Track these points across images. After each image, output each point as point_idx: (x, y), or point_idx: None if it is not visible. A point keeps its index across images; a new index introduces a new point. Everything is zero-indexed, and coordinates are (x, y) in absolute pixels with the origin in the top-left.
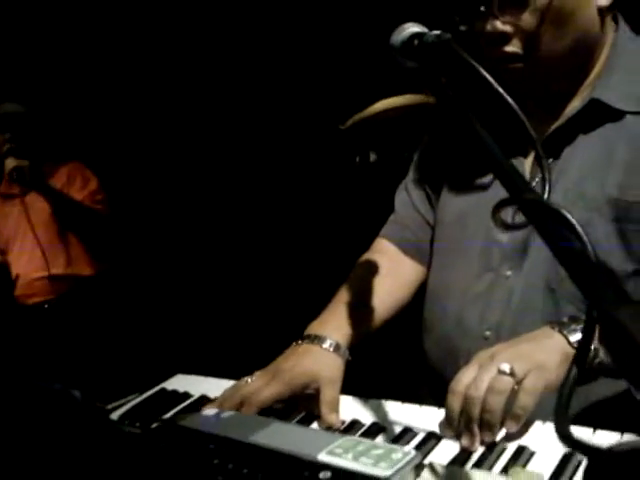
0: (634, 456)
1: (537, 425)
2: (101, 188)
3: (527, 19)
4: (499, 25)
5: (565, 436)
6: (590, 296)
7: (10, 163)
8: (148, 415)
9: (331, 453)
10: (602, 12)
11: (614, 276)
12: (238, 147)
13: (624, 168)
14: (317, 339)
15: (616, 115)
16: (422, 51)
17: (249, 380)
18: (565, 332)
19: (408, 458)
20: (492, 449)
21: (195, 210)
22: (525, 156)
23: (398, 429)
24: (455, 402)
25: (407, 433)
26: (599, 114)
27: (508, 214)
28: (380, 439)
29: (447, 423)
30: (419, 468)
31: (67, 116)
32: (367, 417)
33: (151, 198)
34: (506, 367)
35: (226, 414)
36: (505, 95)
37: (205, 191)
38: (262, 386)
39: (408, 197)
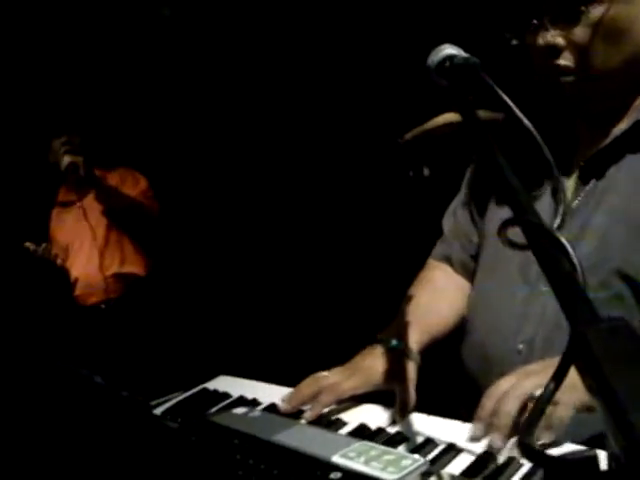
0: (584, 464)
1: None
2: (150, 187)
3: (579, 33)
4: (550, 38)
5: (524, 446)
6: (570, 315)
7: (66, 159)
8: (188, 412)
9: (344, 456)
10: None
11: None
12: (294, 158)
13: None
14: (392, 342)
15: None
16: (452, 72)
17: (327, 374)
18: None
19: (416, 465)
20: (508, 465)
21: (242, 214)
22: (568, 176)
23: (420, 439)
24: (488, 402)
25: (428, 444)
26: None
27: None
28: (401, 448)
29: (475, 422)
30: (427, 476)
31: (118, 123)
32: (392, 427)
33: (196, 201)
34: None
35: (255, 413)
36: (524, 119)
37: (250, 197)
38: (342, 379)
39: (454, 219)
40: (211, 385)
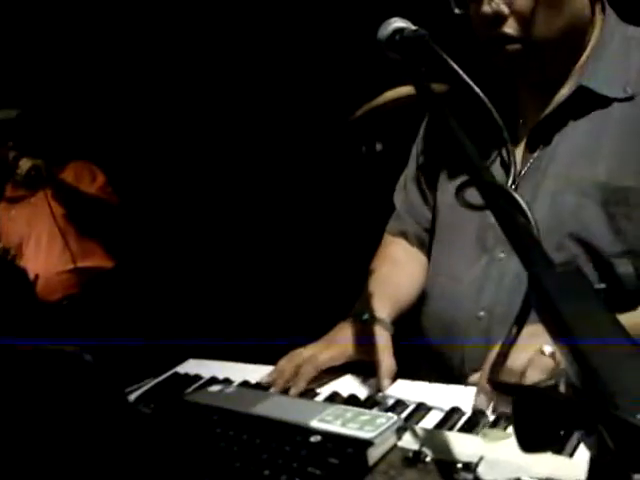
0: (546, 390)
1: None
2: (108, 182)
3: (522, 1)
4: (494, 5)
5: (493, 382)
6: (526, 262)
7: (26, 163)
8: (161, 396)
9: (322, 420)
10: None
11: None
12: (245, 137)
13: (611, 154)
14: (365, 316)
15: (604, 101)
16: (403, 45)
17: (303, 349)
18: None
19: (390, 422)
20: (475, 416)
21: (200, 200)
22: (516, 145)
23: (391, 401)
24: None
25: (399, 405)
26: (587, 101)
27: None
28: (374, 411)
29: (479, 390)
30: (401, 431)
31: (64, 115)
32: (364, 392)
33: (155, 192)
34: (548, 349)
35: (229, 390)
36: (474, 86)
37: (210, 183)
38: (319, 351)
39: (405, 194)
40: (181, 369)
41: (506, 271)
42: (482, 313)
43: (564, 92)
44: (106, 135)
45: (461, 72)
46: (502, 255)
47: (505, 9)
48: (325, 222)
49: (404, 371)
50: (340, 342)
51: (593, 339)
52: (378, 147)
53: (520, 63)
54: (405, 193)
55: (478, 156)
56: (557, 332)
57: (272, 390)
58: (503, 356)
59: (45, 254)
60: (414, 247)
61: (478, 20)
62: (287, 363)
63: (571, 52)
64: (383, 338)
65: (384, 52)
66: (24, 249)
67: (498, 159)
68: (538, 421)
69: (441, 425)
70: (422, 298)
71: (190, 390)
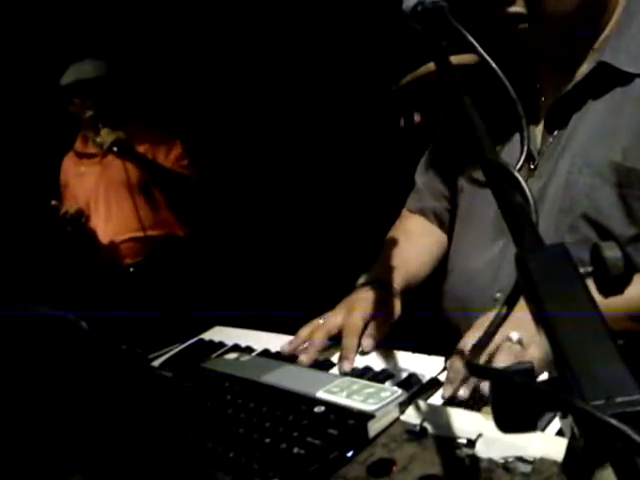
0: (522, 373)
1: None
2: (185, 152)
3: None
4: None
5: (470, 365)
6: (517, 243)
7: (108, 135)
8: (184, 362)
9: (328, 391)
10: None
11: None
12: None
13: (628, 134)
14: (377, 283)
15: (625, 78)
16: (423, 17)
17: (322, 320)
18: None
19: (394, 396)
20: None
21: (243, 172)
22: (536, 124)
23: (405, 375)
24: (457, 362)
25: (412, 378)
26: (608, 78)
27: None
28: (387, 384)
29: (449, 381)
30: (404, 405)
31: (146, 81)
32: (380, 364)
33: (222, 167)
34: (515, 335)
35: (245, 358)
36: (491, 61)
37: (260, 153)
38: (346, 317)
39: (427, 173)
40: (207, 336)
41: None
42: (498, 295)
43: (584, 69)
44: (183, 107)
45: (477, 45)
46: None
47: None
48: (361, 195)
49: (423, 346)
50: (361, 302)
51: (570, 328)
52: (417, 119)
53: (530, 41)
54: (426, 170)
55: (486, 133)
56: (538, 317)
57: (301, 360)
58: (487, 338)
59: (115, 218)
60: (431, 224)
61: (486, 1)
62: (304, 330)
63: (590, 27)
64: (392, 302)
65: (407, 24)
66: (92, 209)
67: (518, 137)
68: (514, 404)
69: (449, 401)
70: (442, 277)
71: (212, 357)
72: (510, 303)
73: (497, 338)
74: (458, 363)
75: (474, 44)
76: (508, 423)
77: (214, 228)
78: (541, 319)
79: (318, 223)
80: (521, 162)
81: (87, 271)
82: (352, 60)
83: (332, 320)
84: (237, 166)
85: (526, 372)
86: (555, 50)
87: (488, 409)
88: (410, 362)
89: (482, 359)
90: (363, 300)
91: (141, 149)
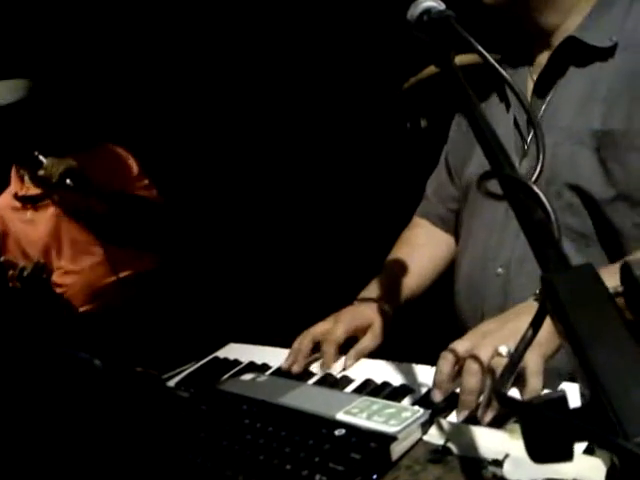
0: (554, 404)
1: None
2: (143, 172)
3: None
4: None
5: (498, 395)
6: (541, 262)
7: (54, 167)
8: (200, 381)
9: (348, 413)
10: None
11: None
12: (294, 111)
13: (604, 100)
14: (369, 300)
15: (604, 53)
16: (430, 26)
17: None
18: None
19: (416, 416)
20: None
21: (238, 179)
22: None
23: (424, 390)
24: (445, 366)
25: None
26: (582, 52)
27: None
28: (407, 400)
29: (435, 385)
30: (427, 426)
31: (79, 95)
32: (397, 379)
33: (182, 183)
34: (504, 349)
35: (261, 378)
36: (501, 71)
37: (252, 155)
38: (331, 327)
39: (436, 175)
40: (221, 354)
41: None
42: (500, 270)
43: (555, 42)
44: (124, 116)
45: (487, 55)
46: None
47: None
48: (368, 200)
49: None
50: (347, 315)
51: (604, 354)
52: (423, 123)
53: (502, 13)
54: (436, 174)
55: (501, 146)
56: (569, 342)
57: (293, 369)
58: (514, 364)
59: (81, 265)
60: (437, 228)
61: None
62: (303, 341)
63: (562, 4)
64: (379, 318)
65: (413, 33)
66: (53, 258)
67: (511, 119)
68: (548, 436)
69: (471, 418)
70: (452, 270)
71: (227, 376)
72: (536, 325)
73: (486, 352)
74: (446, 368)
75: (484, 53)
76: (542, 454)
77: (188, 251)
78: (572, 343)
79: (324, 229)
80: (537, 173)
81: (59, 326)
82: (356, 64)
83: (317, 328)
84: (220, 172)
85: (559, 402)
86: (529, 22)
87: (513, 427)
88: (429, 376)
89: (476, 369)
90: (348, 314)
91: (94, 175)
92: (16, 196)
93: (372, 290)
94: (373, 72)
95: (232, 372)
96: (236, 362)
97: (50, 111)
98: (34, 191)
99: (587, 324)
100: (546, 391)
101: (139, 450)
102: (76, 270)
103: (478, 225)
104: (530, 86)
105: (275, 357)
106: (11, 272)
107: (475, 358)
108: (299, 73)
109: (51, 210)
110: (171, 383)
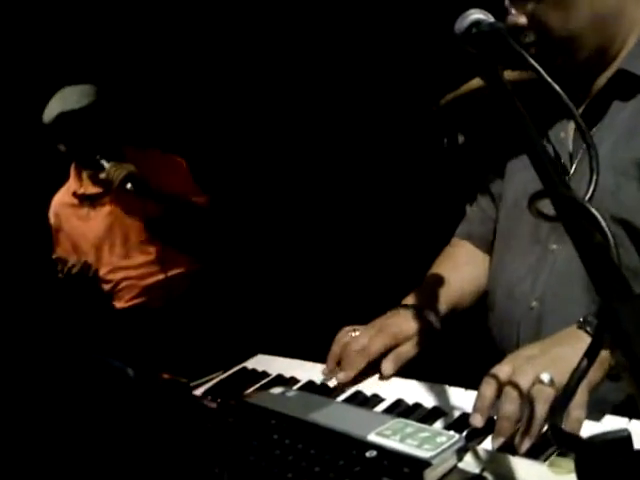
0: (614, 446)
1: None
2: (191, 175)
3: (532, 7)
4: (514, 18)
5: (554, 429)
6: (600, 290)
7: (116, 172)
8: (228, 392)
9: (380, 434)
10: None
11: (623, 275)
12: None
13: None
14: (413, 307)
15: None
16: (479, 39)
17: (352, 334)
18: (591, 331)
19: (451, 442)
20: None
21: (278, 191)
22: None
23: (457, 414)
24: (488, 391)
25: (465, 419)
26: (629, 84)
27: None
28: (439, 423)
29: (477, 410)
30: (462, 452)
31: (136, 93)
32: (430, 401)
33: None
34: (546, 377)
35: (291, 393)
36: (553, 83)
37: (294, 168)
38: (371, 339)
39: (476, 196)
40: (250, 364)
41: (557, 260)
42: (534, 303)
43: (604, 77)
44: (180, 124)
45: (539, 67)
46: (554, 246)
47: (524, 20)
48: (405, 215)
49: (474, 382)
50: (391, 326)
51: None
52: (460, 140)
53: (543, 61)
54: (475, 196)
55: (554, 164)
56: (632, 375)
57: (333, 380)
58: (568, 397)
59: (137, 263)
60: (479, 250)
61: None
62: (337, 348)
63: (606, 43)
64: (427, 328)
65: (460, 45)
66: (105, 254)
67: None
68: (603, 474)
69: (506, 446)
70: (486, 296)
71: (255, 388)
72: (591, 355)
73: (527, 379)
74: (489, 392)
75: (537, 67)
76: None
77: (234, 253)
78: (635, 371)
79: (362, 244)
80: (590, 193)
81: (105, 323)
82: (393, 80)
83: (358, 339)
84: (256, 184)
85: (623, 443)
86: (570, 64)
87: (555, 460)
88: (463, 399)
89: (515, 396)
90: (392, 325)
91: (151, 179)
92: (75, 194)
93: (415, 298)
94: (411, 87)
95: (260, 384)
96: (264, 374)
97: (112, 117)
98: (92, 190)
99: None
100: (598, 425)
101: (165, 461)
102: (126, 267)
103: (513, 254)
104: (571, 127)
105: (304, 370)
106: (60, 267)
107: (515, 384)
108: (339, 89)
109: (107, 208)
110: (198, 392)
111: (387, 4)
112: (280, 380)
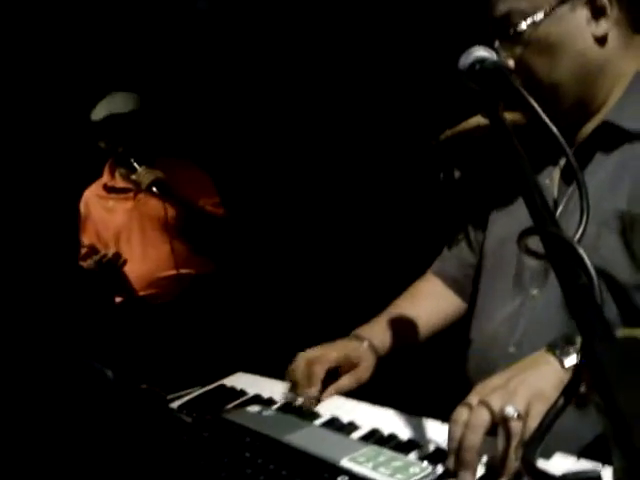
0: None
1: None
2: (215, 188)
3: (519, 51)
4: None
5: (526, 464)
6: (582, 329)
7: (146, 175)
8: (204, 407)
9: (353, 460)
10: (604, 41)
11: (604, 317)
12: (330, 158)
13: (634, 182)
14: (359, 338)
15: (633, 136)
16: (482, 76)
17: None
18: (560, 355)
19: (424, 473)
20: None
21: (271, 217)
22: (552, 178)
23: (432, 447)
24: (458, 432)
25: (440, 453)
26: (614, 136)
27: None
28: (412, 455)
29: (450, 452)
30: None
31: (172, 108)
32: (406, 432)
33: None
34: (511, 410)
35: (268, 412)
36: (551, 125)
37: (294, 195)
38: (324, 351)
39: (454, 240)
40: (229, 382)
41: (537, 306)
42: (512, 349)
43: (589, 128)
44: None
45: (538, 108)
46: (535, 292)
47: (511, 63)
48: (399, 247)
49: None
50: (337, 345)
51: None
52: (457, 175)
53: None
54: (455, 237)
55: (545, 203)
56: (608, 418)
57: (299, 400)
58: (543, 433)
59: (150, 257)
60: (448, 289)
61: None
62: (297, 366)
63: (589, 94)
64: (365, 357)
65: (464, 81)
66: (122, 244)
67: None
68: None
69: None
70: (465, 340)
71: (231, 406)
72: (568, 394)
73: (493, 409)
74: (458, 433)
75: (535, 107)
76: None
77: (241, 264)
78: (612, 420)
79: (352, 271)
80: (579, 234)
81: (112, 307)
82: (391, 115)
83: (310, 352)
84: (267, 202)
85: None
86: (554, 112)
87: None
88: (438, 432)
89: (471, 453)
90: (342, 344)
91: (175, 187)
92: (105, 186)
93: (369, 328)
94: (408, 123)
95: (236, 402)
96: (242, 392)
97: (151, 125)
98: (120, 184)
99: (634, 403)
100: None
101: (136, 470)
102: (141, 258)
103: (492, 299)
104: (557, 174)
105: (282, 392)
106: (91, 255)
107: (478, 414)
108: (335, 126)
109: (130, 204)
110: (174, 405)
111: (393, 38)
112: (258, 400)
